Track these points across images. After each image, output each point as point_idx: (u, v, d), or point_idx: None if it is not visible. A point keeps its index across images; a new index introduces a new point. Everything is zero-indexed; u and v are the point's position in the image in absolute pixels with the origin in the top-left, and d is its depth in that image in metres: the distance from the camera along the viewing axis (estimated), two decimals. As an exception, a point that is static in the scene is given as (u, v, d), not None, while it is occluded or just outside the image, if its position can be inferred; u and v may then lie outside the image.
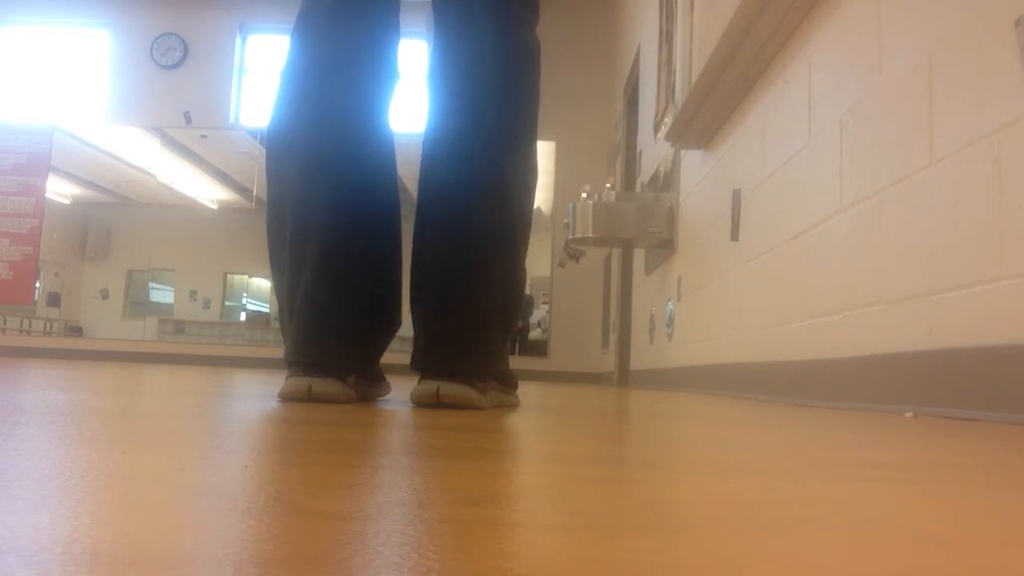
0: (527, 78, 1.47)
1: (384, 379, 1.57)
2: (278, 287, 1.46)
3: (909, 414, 1.60)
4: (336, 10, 1.45)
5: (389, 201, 1.46)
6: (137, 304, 8.11)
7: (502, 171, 1.41)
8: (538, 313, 7.71)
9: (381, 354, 1.48)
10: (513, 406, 1.47)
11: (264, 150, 1.49)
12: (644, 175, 5.27)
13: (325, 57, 1.44)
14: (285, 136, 1.43)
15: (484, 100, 1.42)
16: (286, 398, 1.31)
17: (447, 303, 1.36)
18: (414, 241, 1.41)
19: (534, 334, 7.65)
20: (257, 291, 8.22)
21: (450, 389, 1.29)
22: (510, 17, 1.46)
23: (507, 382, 1.50)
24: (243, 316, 8.16)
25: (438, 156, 1.43)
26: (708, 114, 3.27)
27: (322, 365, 1.34)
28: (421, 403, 1.31)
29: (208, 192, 8.20)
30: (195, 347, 7.65)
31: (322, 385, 1.31)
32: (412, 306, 1.41)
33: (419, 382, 1.34)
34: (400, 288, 1.45)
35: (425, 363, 1.35)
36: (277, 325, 8.40)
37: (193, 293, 8.04)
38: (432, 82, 1.47)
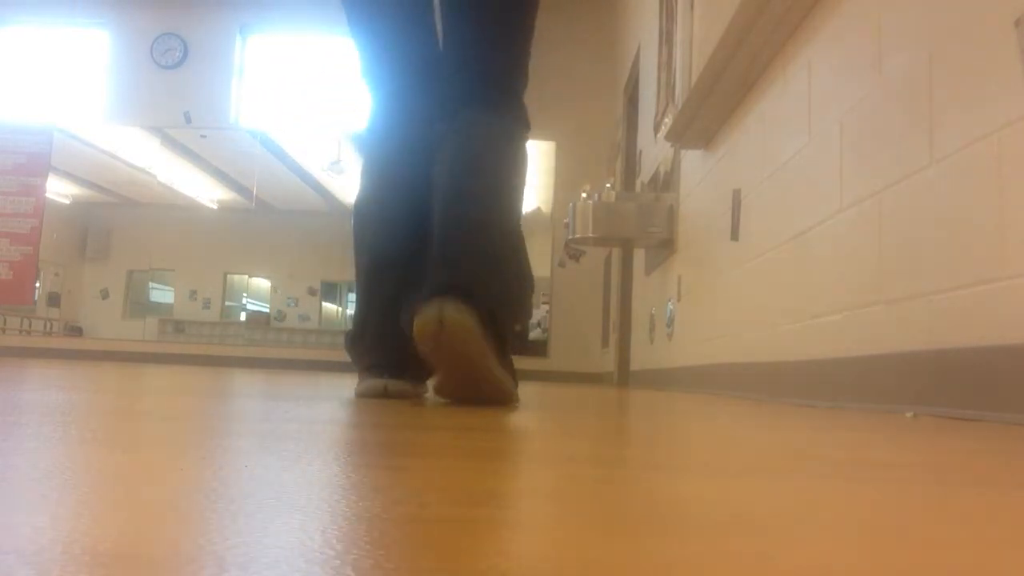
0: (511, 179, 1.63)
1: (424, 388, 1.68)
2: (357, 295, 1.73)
3: (909, 414, 1.60)
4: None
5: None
6: (137, 304, 8.10)
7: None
8: (538, 313, 7.71)
9: None
10: (513, 399, 1.50)
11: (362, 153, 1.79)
12: (644, 175, 5.27)
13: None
14: (381, 142, 1.72)
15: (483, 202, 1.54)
16: (364, 395, 1.53)
17: (455, 233, 1.46)
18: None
19: (534, 334, 7.64)
20: (257, 291, 8.22)
21: (455, 312, 1.25)
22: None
23: (510, 368, 1.51)
24: (243, 316, 8.16)
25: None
26: (708, 114, 3.27)
27: (396, 367, 1.55)
28: (425, 327, 1.26)
29: (208, 192, 8.19)
30: (195, 347, 7.64)
31: (395, 385, 1.53)
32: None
33: (426, 301, 1.29)
34: None
35: (431, 285, 1.34)
36: (278, 325, 8.40)
37: (193, 293, 8.04)
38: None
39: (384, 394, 1.53)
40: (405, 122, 1.72)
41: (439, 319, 1.24)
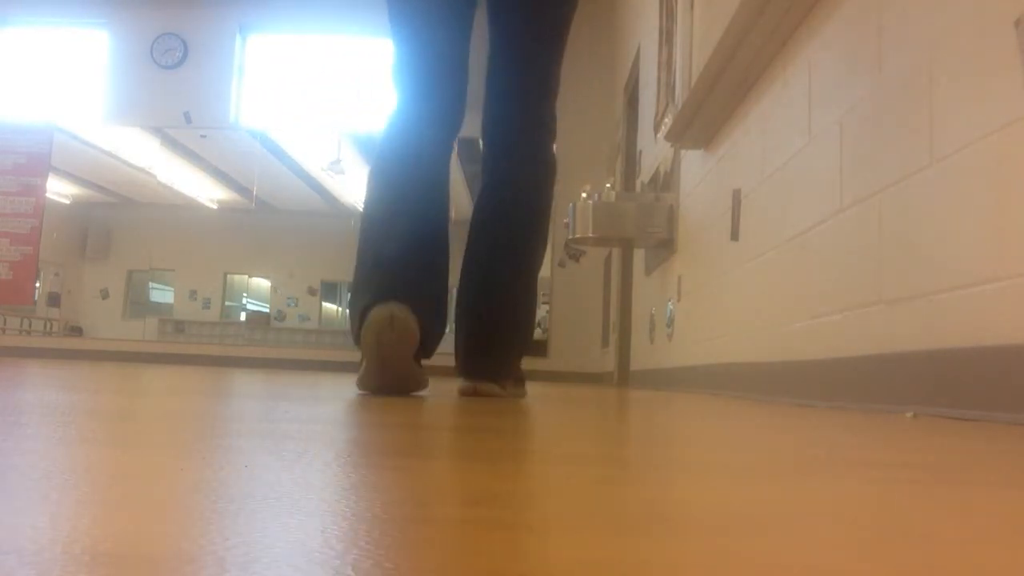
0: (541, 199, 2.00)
1: (424, 375, 1.78)
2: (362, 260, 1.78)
3: (909, 414, 1.60)
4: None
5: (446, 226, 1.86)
6: (137, 304, 8.10)
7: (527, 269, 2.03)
8: (538, 313, 7.70)
9: (433, 351, 1.78)
10: (523, 396, 1.94)
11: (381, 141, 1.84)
12: (644, 175, 5.27)
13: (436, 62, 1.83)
14: (401, 133, 1.80)
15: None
16: (371, 327, 1.54)
17: (484, 328, 1.90)
18: (461, 286, 1.92)
19: (534, 334, 7.63)
20: (257, 291, 8.22)
21: (485, 388, 1.81)
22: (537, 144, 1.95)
23: (520, 379, 1.99)
24: (243, 316, 8.16)
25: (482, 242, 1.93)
26: (708, 114, 3.27)
27: (401, 293, 1.59)
28: (465, 394, 1.79)
29: (208, 192, 8.19)
30: (195, 347, 7.64)
31: (400, 312, 1.54)
32: (456, 324, 1.90)
33: (464, 381, 1.83)
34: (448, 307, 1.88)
35: (468, 370, 1.85)
36: (278, 325, 8.39)
37: (193, 293, 8.04)
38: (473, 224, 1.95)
39: (391, 327, 1.52)
40: (425, 126, 1.80)
41: (475, 390, 1.80)
